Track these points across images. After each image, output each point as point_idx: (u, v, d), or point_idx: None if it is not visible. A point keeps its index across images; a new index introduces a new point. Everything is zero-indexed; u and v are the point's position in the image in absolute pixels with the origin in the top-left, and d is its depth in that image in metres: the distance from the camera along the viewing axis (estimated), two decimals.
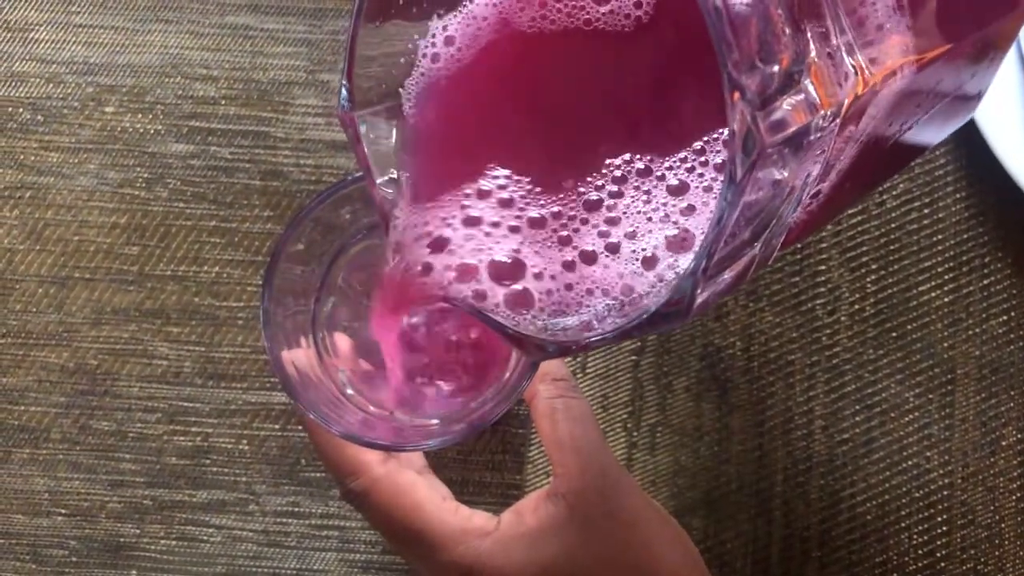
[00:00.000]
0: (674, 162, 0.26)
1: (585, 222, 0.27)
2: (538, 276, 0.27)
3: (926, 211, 0.46)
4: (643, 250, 0.26)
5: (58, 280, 0.45)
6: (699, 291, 0.22)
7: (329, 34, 0.46)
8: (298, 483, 0.45)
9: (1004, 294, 0.45)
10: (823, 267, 0.45)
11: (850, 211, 0.45)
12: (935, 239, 0.45)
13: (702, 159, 0.26)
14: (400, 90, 0.28)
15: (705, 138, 0.26)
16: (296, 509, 0.45)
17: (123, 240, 0.46)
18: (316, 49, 0.46)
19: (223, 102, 0.46)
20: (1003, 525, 0.44)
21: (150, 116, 0.46)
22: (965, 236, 0.45)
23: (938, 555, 0.44)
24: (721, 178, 0.25)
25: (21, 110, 0.46)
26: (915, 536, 0.44)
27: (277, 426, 0.45)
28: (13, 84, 0.46)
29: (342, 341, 0.38)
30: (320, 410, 0.31)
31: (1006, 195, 0.45)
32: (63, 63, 0.46)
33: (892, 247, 0.45)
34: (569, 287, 0.26)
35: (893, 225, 0.45)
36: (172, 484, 0.45)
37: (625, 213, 0.26)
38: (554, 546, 0.34)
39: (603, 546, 0.34)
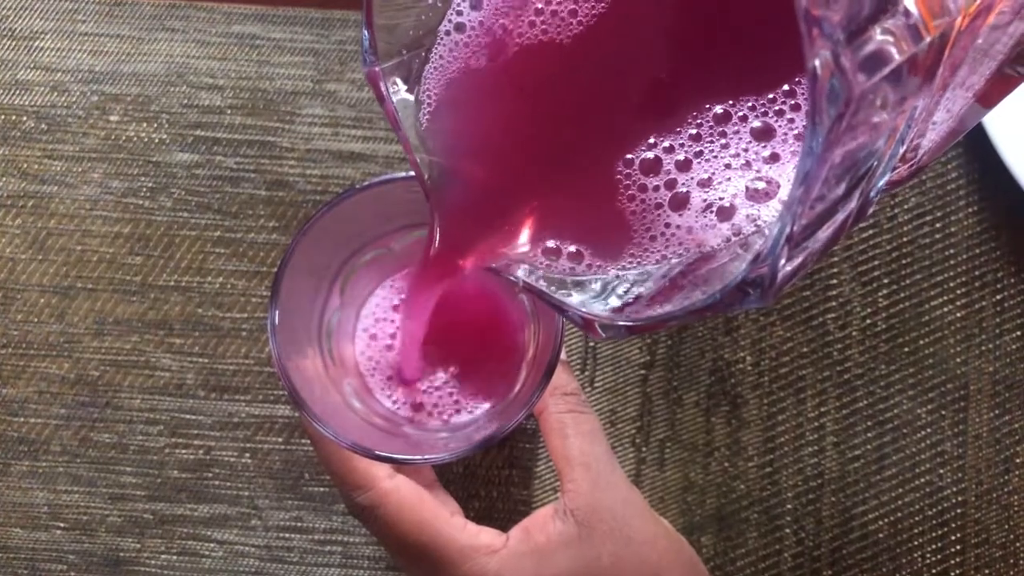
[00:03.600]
0: (759, 103, 0.23)
1: (656, 172, 0.24)
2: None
3: (938, 225, 0.45)
4: (720, 199, 0.23)
5: (60, 290, 0.45)
6: (782, 262, 0.19)
7: (336, 44, 0.46)
8: (301, 497, 0.44)
9: (1017, 309, 0.44)
10: (834, 281, 0.45)
11: (861, 224, 0.45)
12: (947, 253, 0.45)
13: (792, 102, 0.23)
14: (430, 37, 0.26)
15: (797, 77, 0.22)
16: (299, 524, 0.44)
17: (126, 250, 0.45)
18: (323, 59, 0.46)
19: (229, 111, 0.46)
20: (1018, 544, 0.43)
21: (155, 125, 0.46)
22: (978, 251, 0.45)
23: (952, 574, 0.43)
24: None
25: (25, 118, 0.46)
26: (928, 555, 0.43)
27: (280, 439, 0.44)
28: (17, 92, 0.46)
29: (349, 352, 0.37)
30: (328, 422, 0.31)
31: (1019, 210, 0.44)
32: (68, 71, 0.46)
33: (904, 261, 0.45)
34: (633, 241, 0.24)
35: (905, 239, 0.45)
36: (173, 498, 0.44)
37: (699, 158, 0.24)
38: (563, 564, 0.33)
39: (612, 564, 0.34)
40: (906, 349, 0.44)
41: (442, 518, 0.33)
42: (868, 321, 0.45)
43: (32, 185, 0.45)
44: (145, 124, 0.46)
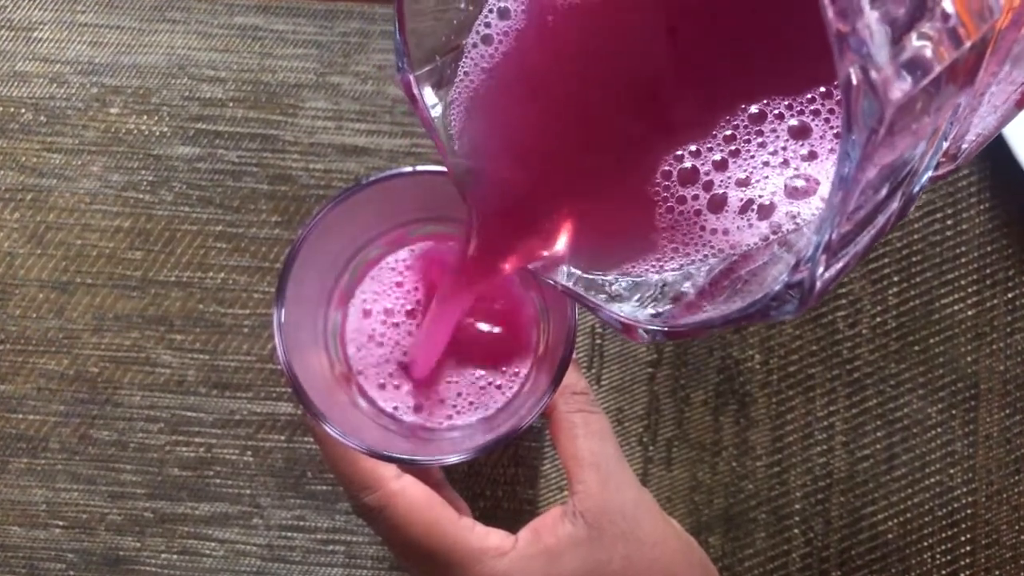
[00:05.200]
0: (796, 101, 0.23)
1: (694, 176, 0.24)
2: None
3: (949, 223, 0.45)
4: (759, 197, 0.23)
5: (59, 285, 0.44)
6: (821, 270, 0.18)
7: (339, 36, 0.45)
8: (304, 496, 0.43)
9: None
10: (844, 279, 0.44)
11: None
12: (958, 251, 0.44)
13: (829, 104, 0.22)
14: (462, 43, 0.25)
15: (834, 81, 0.22)
16: (301, 523, 0.43)
17: (126, 244, 0.44)
18: (326, 51, 0.45)
19: (231, 104, 0.45)
20: None
21: (156, 118, 0.45)
22: (989, 248, 0.44)
23: None
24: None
25: (23, 110, 0.45)
26: (938, 556, 0.43)
27: (283, 437, 0.44)
28: (16, 84, 0.45)
29: (355, 351, 0.36)
30: (334, 421, 0.30)
31: None
32: (67, 63, 0.45)
33: (914, 259, 0.44)
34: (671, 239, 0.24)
35: (915, 237, 0.44)
36: (174, 496, 0.43)
37: (735, 158, 0.23)
38: (573, 566, 0.33)
39: (623, 567, 0.33)
40: (916, 348, 0.44)
41: (450, 520, 0.33)
42: (878, 319, 0.44)
43: (30, 178, 0.45)
44: (146, 117, 0.45)
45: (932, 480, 0.43)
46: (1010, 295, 0.44)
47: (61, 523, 0.43)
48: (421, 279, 0.36)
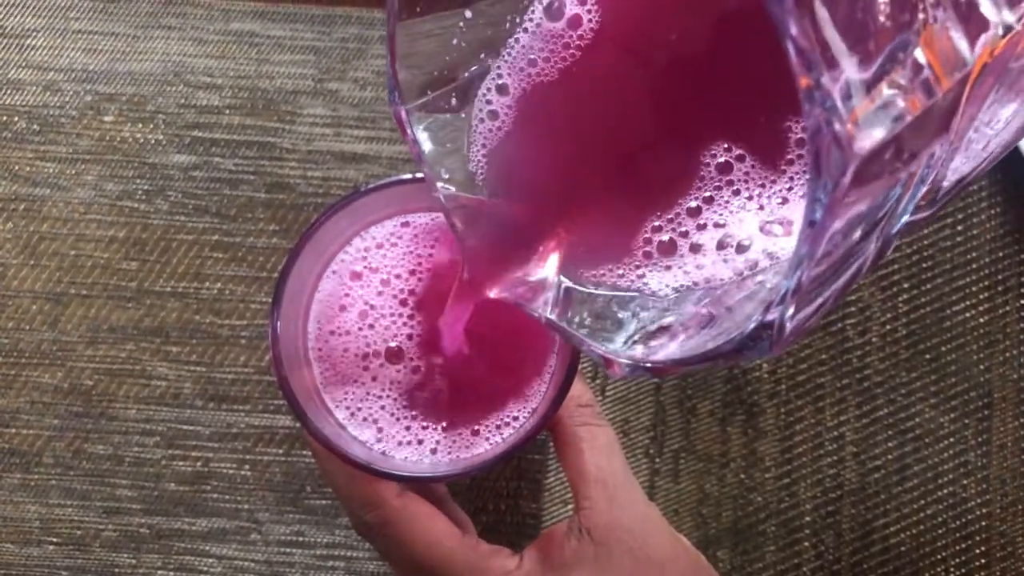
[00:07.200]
0: (770, 152, 0.24)
1: (674, 222, 0.25)
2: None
3: (959, 228, 0.44)
4: (734, 237, 0.24)
5: (53, 296, 0.43)
6: (790, 313, 0.18)
7: (338, 41, 0.45)
8: (303, 511, 0.42)
9: None
10: (853, 286, 0.43)
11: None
12: (969, 257, 0.44)
13: (800, 151, 0.23)
14: (456, 78, 0.27)
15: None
16: (300, 538, 0.42)
17: (121, 255, 0.44)
18: (324, 57, 0.45)
19: (227, 111, 0.44)
20: None
21: (151, 126, 0.44)
22: (1000, 254, 0.44)
23: None
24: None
25: (17, 119, 0.44)
26: (952, 569, 0.42)
27: (281, 451, 0.43)
28: (9, 92, 0.44)
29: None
30: (330, 436, 0.29)
31: None
32: (61, 70, 0.44)
33: (925, 265, 0.44)
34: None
35: (925, 243, 0.44)
36: (170, 511, 0.42)
37: (710, 205, 0.24)
38: None
39: None
40: (928, 356, 0.43)
41: (454, 537, 0.32)
42: (888, 327, 0.43)
43: (24, 188, 0.44)
44: (141, 125, 0.44)
45: (945, 491, 0.42)
46: (1023, 301, 0.43)
47: (55, 540, 0.42)
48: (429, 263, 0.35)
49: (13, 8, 0.45)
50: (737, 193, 0.24)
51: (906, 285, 0.44)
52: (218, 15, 0.45)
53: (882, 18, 0.16)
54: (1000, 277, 0.43)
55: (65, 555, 0.42)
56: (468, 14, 0.26)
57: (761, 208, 0.24)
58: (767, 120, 0.24)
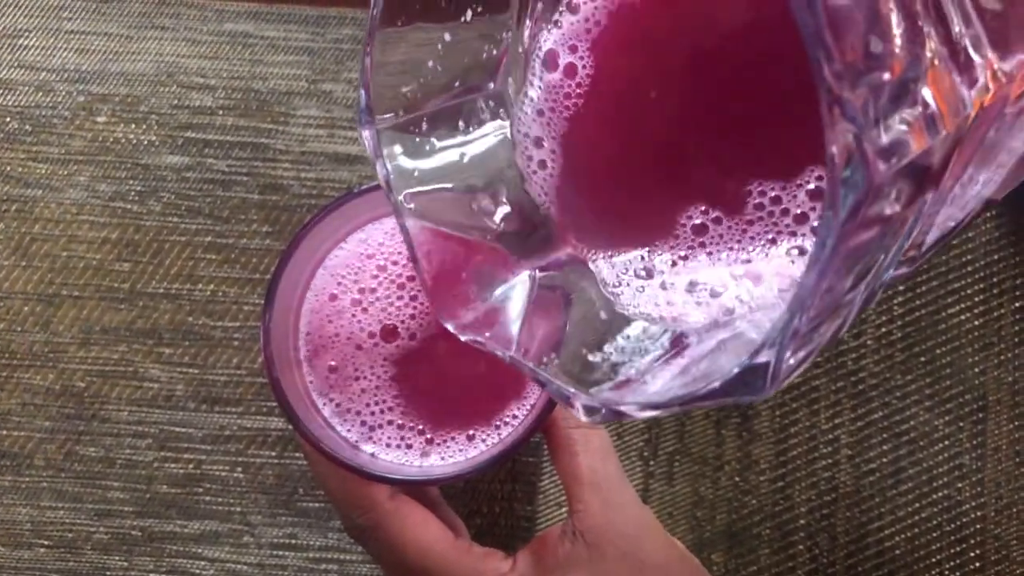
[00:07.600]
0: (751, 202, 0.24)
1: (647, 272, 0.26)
2: None
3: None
4: (708, 284, 0.24)
5: (45, 297, 0.43)
6: (788, 355, 0.18)
7: (332, 42, 0.44)
8: (296, 514, 0.42)
9: None
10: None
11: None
12: (964, 259, 0.43)
13: (793, 192, 0.23)
14: (429, 101, 0.26)
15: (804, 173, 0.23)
16: (293, 541, 0.42)
17: (114, 256, 0.43)
18: (318, 58, 0.44)
19: (220, 112, 0.44)
20: None
21: (144, 127, 0.44)
22: (996, 257, 0.43)
23: None
24: (813, 213, 0.22)
25: (8, 119, 0.44)
26: (947, 572, 0.42)
27: (274, 453, 0.42)
28: (1, 92, 0.44)
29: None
30: (321, 438, 0.29)
31: None
32: (53, 71, 0.44)
33: (920, 267, 0.43)
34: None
35: None
36: (162, 514, 0.42)
37: (685, 262, 0.25)
38: None
39: None
40: (922, 358, 0.43)
41: (446, 540, 0.31)
42: (883, 330, 0.43)
43: (15, 188, 0.44)
44: (133, 125, 0.44)
45: (940, 494, 0.42)
46: (1018, 304, 0.43)
47: (46, 543, 0.42)
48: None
49: (5, 8, 0.45)
50: (710, 255, 0.25)
51: (901, 287, 0.43)
52: (211, 16, 0.45)
53: (896, 49, 0.16)
54: (995, 280, 0.43)
55: (56, 558, 0.42)
56: (447, 37, 0.26)
57: (730, 264, 0.24)
58: (735, 183, 0.24)
